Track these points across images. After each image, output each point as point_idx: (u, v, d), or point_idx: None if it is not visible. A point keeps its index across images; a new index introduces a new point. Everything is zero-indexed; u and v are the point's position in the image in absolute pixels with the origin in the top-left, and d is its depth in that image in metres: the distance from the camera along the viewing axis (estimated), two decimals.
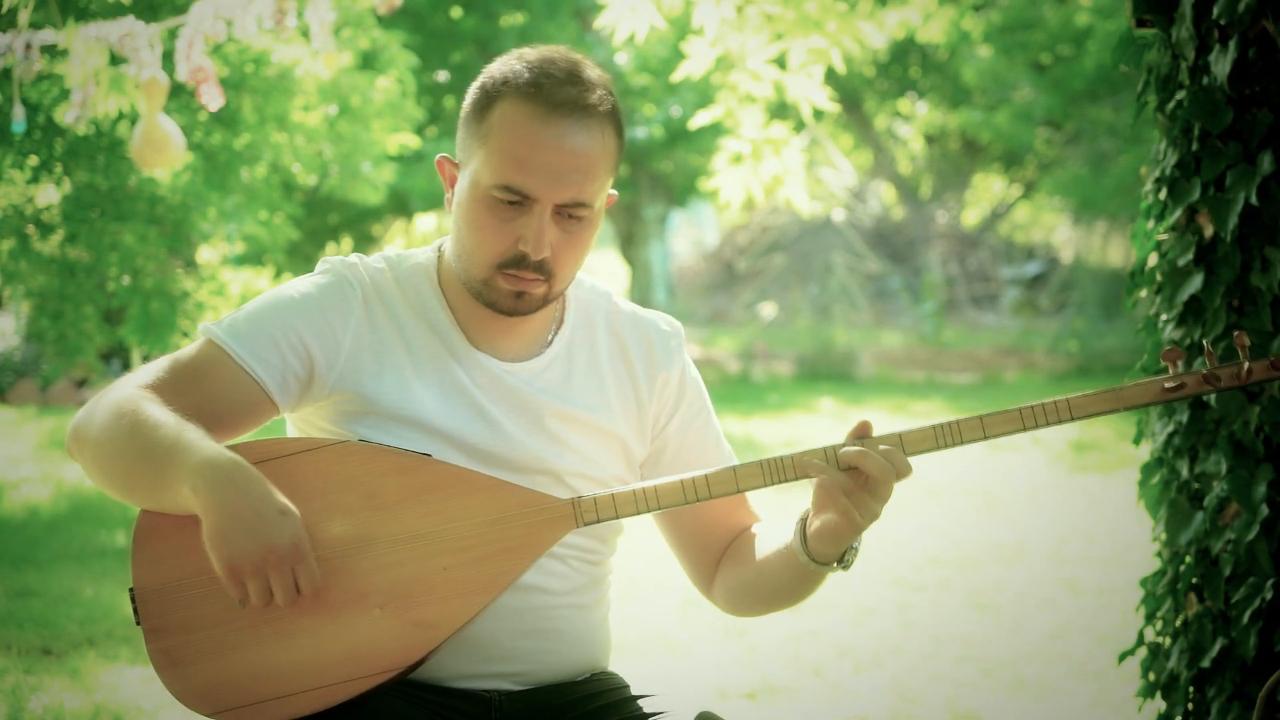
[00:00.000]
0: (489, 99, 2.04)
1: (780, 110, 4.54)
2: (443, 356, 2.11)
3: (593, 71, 2.07)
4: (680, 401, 2.22)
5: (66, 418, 10.91)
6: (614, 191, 2.14)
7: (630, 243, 16.88)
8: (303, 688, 1.93)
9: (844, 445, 2.01)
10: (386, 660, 1.93)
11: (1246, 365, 2.03)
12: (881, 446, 2.00)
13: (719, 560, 2.22)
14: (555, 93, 2.01)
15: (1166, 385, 2.02)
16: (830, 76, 4.10)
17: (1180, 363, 2.04)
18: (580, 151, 2.01)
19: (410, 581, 1.96)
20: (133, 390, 2.03)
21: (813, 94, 4.12)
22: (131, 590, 1.99)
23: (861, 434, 2.01)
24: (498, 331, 2.13)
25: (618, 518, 2.03)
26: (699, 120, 4.31)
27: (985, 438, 2.01)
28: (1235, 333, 2.06)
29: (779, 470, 2.02)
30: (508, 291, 2.05)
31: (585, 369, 2.17)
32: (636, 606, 5.38)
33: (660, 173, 16.34)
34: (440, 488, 1.99)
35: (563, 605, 2.12)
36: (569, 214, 2.03)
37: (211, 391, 2.04)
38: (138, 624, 2.00)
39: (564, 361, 2.16)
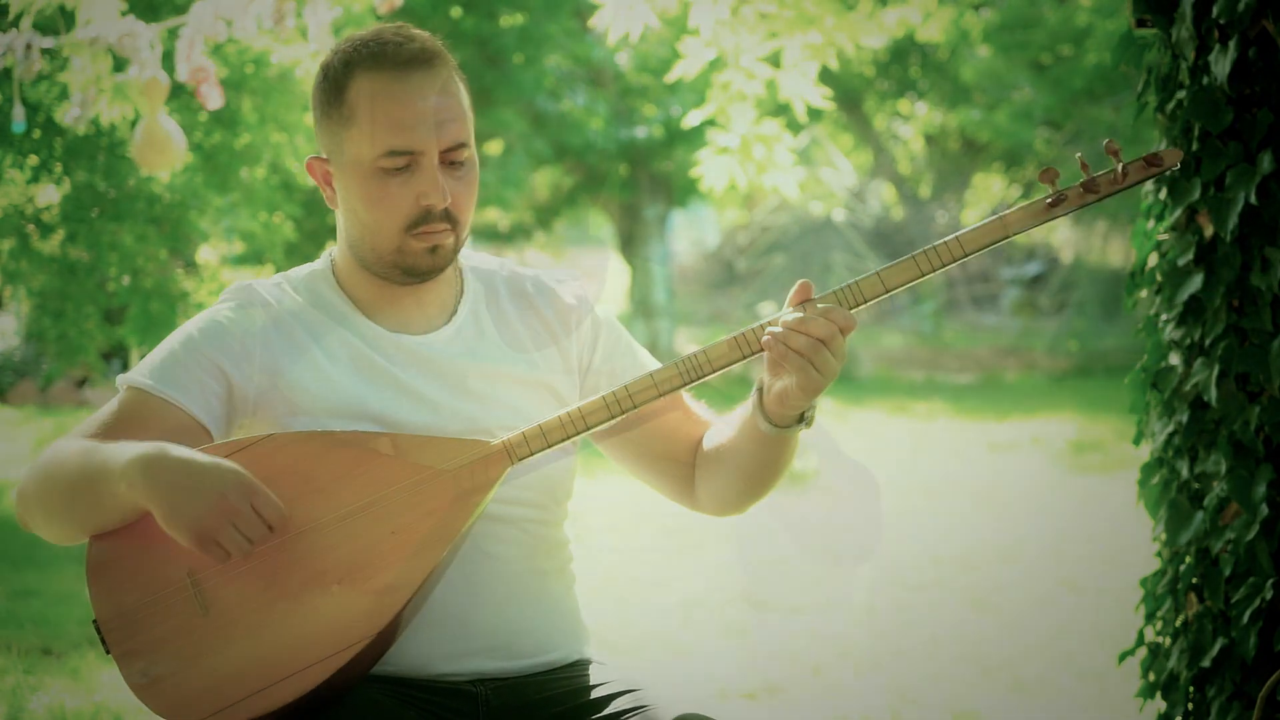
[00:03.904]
0: (338, 85, 2.12)
1: (776, 111, 4.53)
2: (354, 344, 2.15)
3: (418, 30, 2.15)
4: (598, 335, 2.27)
5: (66, 417, 10.92)
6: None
7: (630, 243, 16.87)
8: (280, 676, 1.93)
9: (785, 313, 2.03)
10: (355, 632, 1.94)
11: (1120, 167, 2.03)
12: (820, 305, 2.02)
13: (693, 470, 2.25)
14: (398, 53, 2.09)
15: (1048, 202, 2.03)
16: (827, 76, 4.11)
17: (1057, 180, 2.04)
18: (443, 95, 2.09)
19: (362, 552, 1.98)
20: (60, 441, 2.11)
21: (806, 92, 4.12)
22: (95, 622, 2.01)
23: (804, 297, 2.03)
24: (404, 308, 2.18)
25: (549, 446, 2.04)
26: (691, 119, 4.32)
27: (886, 291, 2.05)
28: (1105, 141, 2.07)
29: (696, 367, 2.04)
30: (422, 250, 2.11)
31: (496, 325, 2.21)
32: (636, 606, 5.38)
33: (660, 173, 16.34)
34: (372, 456, 2.02)
35: (522, 572, 2.14)
36: (452, 159, 2.10)
37: (140, 432, 2.07)
38: (107, 653, 2.02)
39: (473, 323, 2.20)
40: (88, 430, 2.10)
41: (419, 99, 2.08)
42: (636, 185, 16.37)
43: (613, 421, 2.04)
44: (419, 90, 2.08)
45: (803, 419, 2.08)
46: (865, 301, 2.03)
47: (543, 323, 2.24)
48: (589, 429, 2.04)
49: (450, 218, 2.11)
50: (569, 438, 2.04)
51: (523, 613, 2.13)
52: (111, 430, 2.08)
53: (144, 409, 2.09)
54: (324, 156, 2.15)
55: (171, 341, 2.15)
